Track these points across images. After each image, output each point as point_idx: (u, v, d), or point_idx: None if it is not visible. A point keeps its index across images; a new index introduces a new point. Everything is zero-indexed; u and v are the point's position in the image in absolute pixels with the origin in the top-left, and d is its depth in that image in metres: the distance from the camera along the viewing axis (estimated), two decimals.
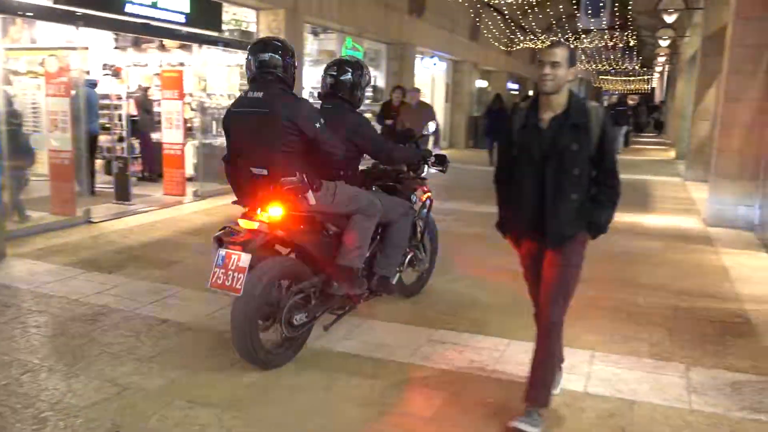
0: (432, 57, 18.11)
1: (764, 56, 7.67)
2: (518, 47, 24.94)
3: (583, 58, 33.89)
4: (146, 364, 3.66)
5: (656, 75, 45.01)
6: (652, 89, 52.60)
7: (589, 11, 18.73)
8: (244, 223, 3.45)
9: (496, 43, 22.44)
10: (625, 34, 25.91)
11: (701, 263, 6.19)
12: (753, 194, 7.80)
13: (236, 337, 3.40)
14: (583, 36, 26.73)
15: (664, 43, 20.37)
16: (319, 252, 3.70)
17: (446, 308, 4.75)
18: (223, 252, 3.34)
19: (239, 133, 3.57)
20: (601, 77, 48.77)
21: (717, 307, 4.87)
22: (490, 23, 21.02)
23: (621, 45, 27.66)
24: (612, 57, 32.26)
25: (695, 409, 3.27)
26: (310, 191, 3.49)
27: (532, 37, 25.66)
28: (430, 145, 8.91)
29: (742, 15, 7.72)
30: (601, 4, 18.03)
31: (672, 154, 18.45)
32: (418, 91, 10.45)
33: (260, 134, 3.43)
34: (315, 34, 12.83)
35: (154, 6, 8.09)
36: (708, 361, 3.86)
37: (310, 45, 12.78)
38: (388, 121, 10.19)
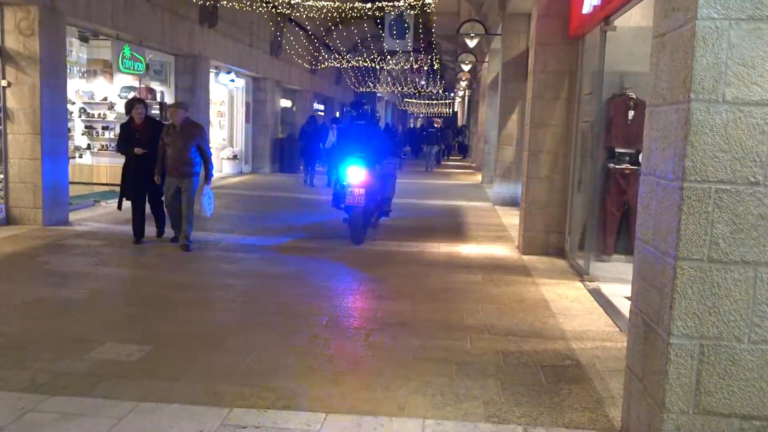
0: (229, 72, 17.32)
1: (564, 82, 8.13)
2: (323, 66, 25.04)
3: (389, 79, 35.25)
4: None
5: (458, 99, 48.46)
6: (455, 113, 56.67)
7: (394, 33, 19.33)
8: (356, 177, 8.41)
9: (299, 61, 22.26)
10: (429, 57, 27.36)
11: (523, 297, 6.21)
12: (562, 221, 8.19)
13: (354, 230, 8.50)
14: (389, 57, 27.71)
15: (465, 67, 21.71)
16: (380, 190, 9.07)
17: (244, 378, 4.05)
18: (349, 189, 8.36)
19: (350, 136, 8.90)
20: (406, 100, 51.37)
21: (546, 348, 4.78)
22: (292, 39, 20.78)
23: (426, 68, 29.14)
24: (417, 80, 33.95)
25: None
26: (378, 164, 8.92)
27: (337, 56, 25.96)
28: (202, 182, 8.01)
29: (542, 42, 8.13)
30: (405, 26, 18.69)
31: (479, 178, 19.54)
32: (180, 107, 7.90)
33: (362, 138, 8.77)
34: (84, 39, 11.39)
35: None
36: (546, 418, 3.63)
37: (78, 52, 11.29)
38: (138, 150, 7.85)
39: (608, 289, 6.50)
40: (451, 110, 54.75)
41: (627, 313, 5.49)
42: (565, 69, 8.05)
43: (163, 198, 8.04)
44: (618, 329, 5.25)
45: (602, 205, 7.42)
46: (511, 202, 13.07)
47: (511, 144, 13.36)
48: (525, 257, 8.10)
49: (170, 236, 8.32)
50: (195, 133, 7.75)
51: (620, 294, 6.27)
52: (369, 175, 8.54)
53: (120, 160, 13.81)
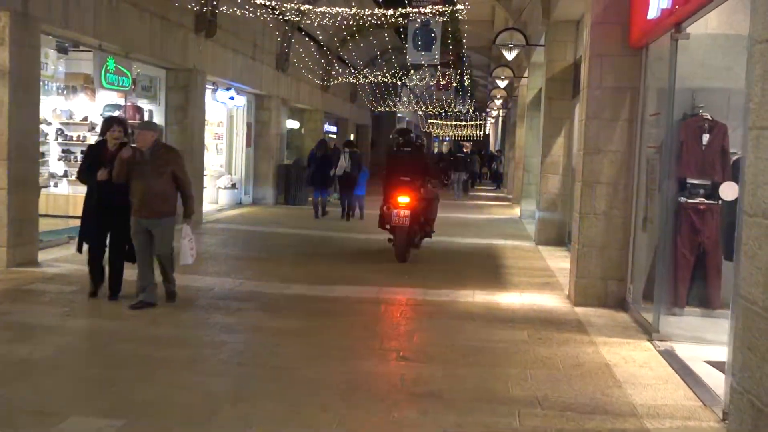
0: (229, 89, 17.32)
1: (625, 100, 7.87)
2: (336, 82, 25.08)
3: (411, 97, 35.30)
4: None
5: (490, 120, 48.43)
6: (486, 136, 56.68)
7: (419, 44, 19.30)
8: (403, 199, 10.34)
9: (309, 76, 22.30)
10: (458, 72, 27.32)
11: (579, 360, 5.86)
12: (623, 266, 7.88)
13: (399, 249, 10.39)
14: (412, 72, 27.74)
15: (501, 83, 21.58)
16: (423, 213, 10.85)
17: None
18: (396, 211, 10.30)
19: (398, 161, 10.95)
20: (430, 121, 51.47)
21: (613, 428, 4.42)
22: (302, 51, 20.83)
23: (455, 84, 29.12)
24: (443, 98, 33.94)
25: None
26: (422, 188, 10.76)
27: (353, 70, 26.02)
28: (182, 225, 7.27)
29: (598, 52, 7.90)
30: (432, 36, 18.65)
31: (517, 211, 19.26)
32: (150, 128, 7.24)
33: (408, 163, 10.79)
34: (63, 51, 11.37)
35: None
36: None
37: (55, 65, 11.27)
38: (102, 174, 7.00)
39: (684, 351, 6.14)
40: (481, 133, 54.75)
41: (711, 383, 5.20)
42: (625, 84, 7.81)
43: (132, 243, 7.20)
44: (701, 404, 4.87)
45: (672, 247, 7.09)
46: (557, 241, 12.77)
47: (557, 173, 13.12)
48: (578, 309, 7.76)
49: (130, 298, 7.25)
50: (169, 159, 7.11)
51: (699, 357, 5.94)
52: (414, 198, 10.48)
53: None
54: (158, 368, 5.33)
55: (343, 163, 16.45)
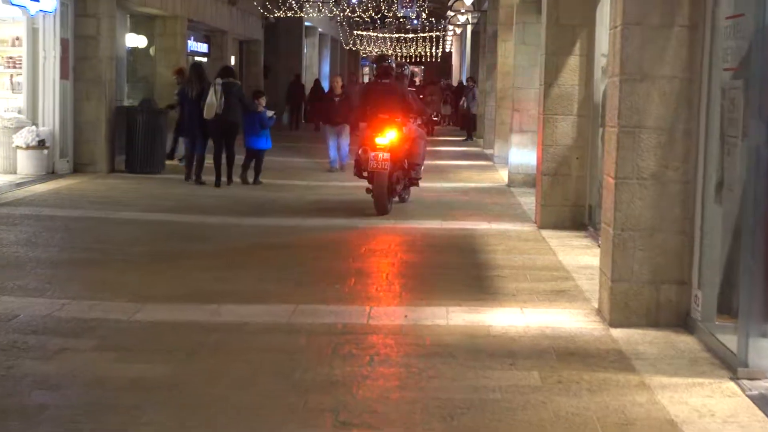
0: None
1: None
2: None
3: None
4: None
5: (453, 31, 48.78)
6: (446, 56, 57.17)
7: None
8: (381, 140, 14.53)
9: None
10: None
11: (628, 416, 5.90)
12: (686, 261, 8.00)
13: (378, 198, 14.46)
14: None
15: None
16: (407, 156, 15.65)
17: None
18: (373, 153, 14.40)
19: (375, 96, 15.92)
20: (358, 33, 51.57)
21: None
22: None
23: None
24: None
25: None
26: (405, 126, 15.64)
27: None
28: None
29: None
30: None
31: (503, 176, 19.47)
32: None
33: (387, 97, 15.51)
34: None
35: None
36: None
37: None
38: None
39: None
40: (439, 51, 55.21)
41: None
42: None
43: None
44: None
45: (764, 228, 7.15)
46: (572, 223, 13.01)
47: (570, 113, 13.27)
48: (616, 332, 7.87)
49: None
50: None
51: None
52: (395, 139, 14.05)
53: None
54: None
55: (214, 99, 17.14)
